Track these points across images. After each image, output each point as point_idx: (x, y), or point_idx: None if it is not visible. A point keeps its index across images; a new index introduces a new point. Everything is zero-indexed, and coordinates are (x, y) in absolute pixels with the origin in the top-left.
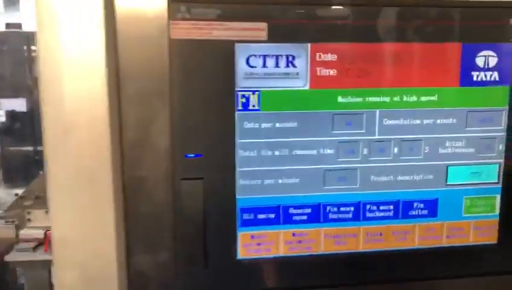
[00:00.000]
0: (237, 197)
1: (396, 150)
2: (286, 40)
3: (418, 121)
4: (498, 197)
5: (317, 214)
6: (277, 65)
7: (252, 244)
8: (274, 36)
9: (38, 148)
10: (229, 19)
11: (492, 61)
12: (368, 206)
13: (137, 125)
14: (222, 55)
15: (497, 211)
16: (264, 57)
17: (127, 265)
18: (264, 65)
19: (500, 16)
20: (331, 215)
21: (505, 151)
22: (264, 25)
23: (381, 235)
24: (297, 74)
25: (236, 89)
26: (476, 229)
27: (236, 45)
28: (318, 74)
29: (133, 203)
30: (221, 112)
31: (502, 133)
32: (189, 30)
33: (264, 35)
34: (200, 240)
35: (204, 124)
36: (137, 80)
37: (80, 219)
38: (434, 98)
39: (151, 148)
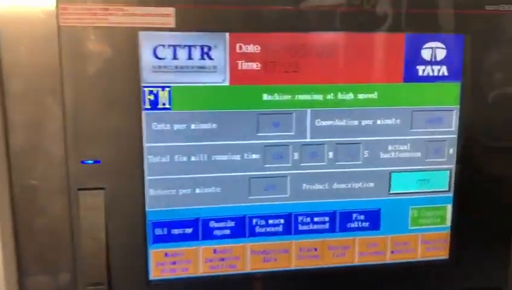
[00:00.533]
0: (147, 209)
1: (331, 154)
2: (199, 28)
3: (355, 122)
4: (449, 207)
5: (242, 227)
6: (190, 57)
7: (167, 263)
8: (184, 23)
9: None
10: (130, 3)
11: (441, 54)
12: (300, 218)
13: (26, 128)
14: (124, 45)
15: (449, 223)
16: (174, 47)
17: (19, 287)
18: (175, 57)
19: (449, 3)
20: (258, 229)
21: (457, 156)
22: (171, 10)
23: (316, 250)
24: (214, 67)
25: (142, 85)
26: (425, 243)
27: (140, 33)
28: (239, 67)
29: (25, 216)
30: (124, 111)
31: (453, 136)
32: (81, 16)
33: (171, 22)
34: (102, 259)
35: (105, 125)
36: (24, 77)
37: None
38: (373, 95)
39: (42, 154)
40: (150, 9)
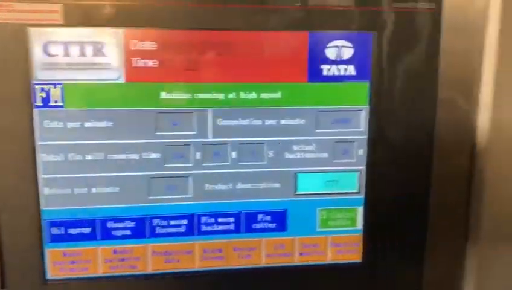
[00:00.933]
0: (42, 208)
1: (234, 154)
2: (91, 24)
3: (259, 122)
4: (360, 209)
5: (142, 228)
6: (83, 54)
7: (65, 263)
8: (74, 20)
9: None
10: None
11: (347, 53)
12: (203, 219)
13: None
14: (13, 41)
15: (360, 226)
16: (65, 44)
17: None
18: (66, 54)
19: (355, 0)
20: (159, 230)
21: (367, 157)
22: (58, 7)
23: (221, 251)
24: (108, 64)
25: (33, 82)
26: (335, 245)
27: (30, 29)
28: (134, 65)
29: None
30: (15, 108)
31: (362, 136)
32: None
33: (59, 18)
34: None
35: None
36: None
37: None
38: (277, 95)
39: None
40: (37, 5)
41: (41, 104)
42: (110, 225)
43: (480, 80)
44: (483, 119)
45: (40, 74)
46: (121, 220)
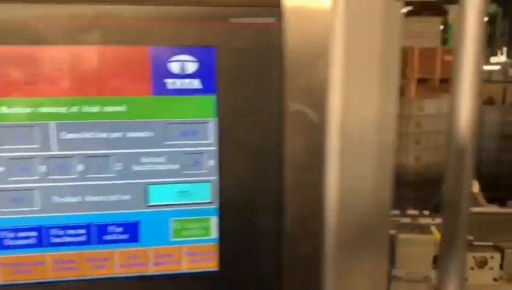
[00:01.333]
0: None
1: (81, 167)
2: None
3: (104, 135)
4: (213, 219)
5: None
6: None
7: None
8: None
9: None
10: None
11: (191, 67)
12: (53, 231)
13: None
14: None
15: (214, 235)
16: None
17: None
18: None
19: (194, 16)
20: (7, 242)
21: (219, 168)
22: None
23: (73, 262)
24: None
25: None
26: (190, 255)
27: None
28: None
29: None
30: None
31: (212, 148)
32: None
33: None
34: None
35: None
36: None
37: None
38: (122, 108)
39: None
40: None
41: None
42: None
43: (327, 89)
44: (331, 127)
45: None
46: None
